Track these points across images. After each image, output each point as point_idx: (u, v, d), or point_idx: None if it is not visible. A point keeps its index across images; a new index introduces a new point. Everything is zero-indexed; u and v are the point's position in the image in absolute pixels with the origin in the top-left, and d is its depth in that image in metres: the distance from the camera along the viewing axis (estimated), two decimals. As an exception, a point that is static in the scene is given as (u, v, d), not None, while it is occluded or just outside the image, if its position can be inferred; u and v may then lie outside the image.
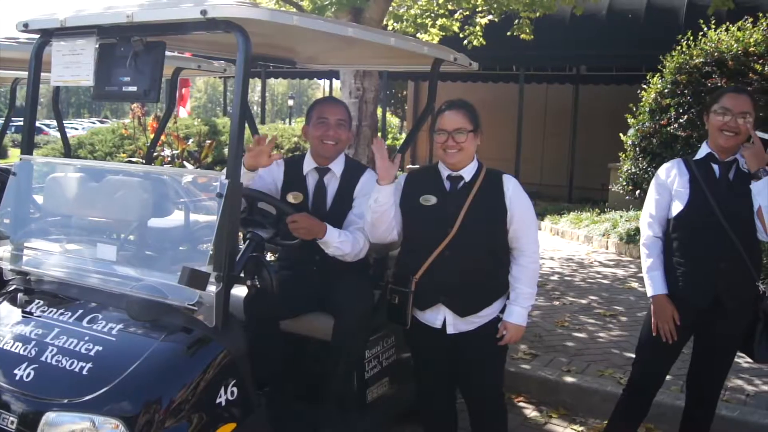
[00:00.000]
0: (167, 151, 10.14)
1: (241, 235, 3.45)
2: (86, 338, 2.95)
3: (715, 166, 3.56)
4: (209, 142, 11.45)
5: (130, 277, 3.16)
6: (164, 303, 2.95)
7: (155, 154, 10.28)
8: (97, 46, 3.33)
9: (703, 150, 3.64)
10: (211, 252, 2.88)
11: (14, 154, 29.72)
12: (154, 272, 3.15)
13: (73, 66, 3.40)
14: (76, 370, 2.82)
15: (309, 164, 3.94)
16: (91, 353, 2.88)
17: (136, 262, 3.30)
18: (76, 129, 39.40)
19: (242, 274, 3.20)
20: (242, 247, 3.37)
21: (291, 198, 3.89)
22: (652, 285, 3.65)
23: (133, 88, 3.23)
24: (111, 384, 2.73)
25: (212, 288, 2.86)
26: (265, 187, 3.89)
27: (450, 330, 3.48)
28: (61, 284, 3.37)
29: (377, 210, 3.44)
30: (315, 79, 27.56)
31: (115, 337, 2.95)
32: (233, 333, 3.01)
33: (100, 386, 2.73)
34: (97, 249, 3.28)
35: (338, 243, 3.59)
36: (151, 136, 11.05)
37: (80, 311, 3.12)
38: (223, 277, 2.88)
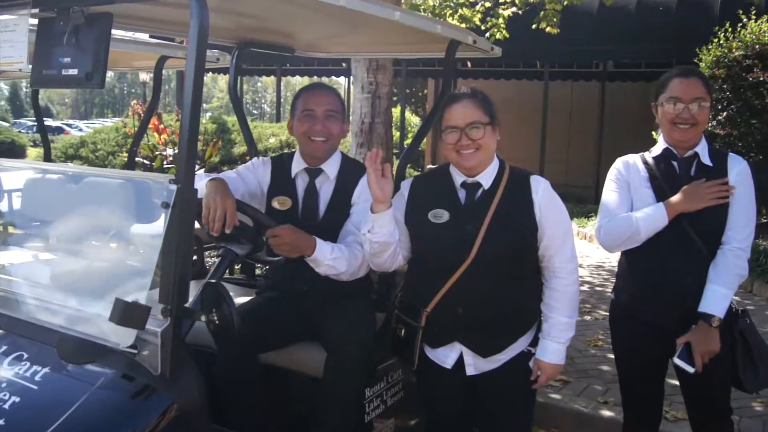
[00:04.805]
0: (169, 151, 9.54)
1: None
2: (2, 385, 2.32)
3: (675, 163, 3.09)
4: (214, 140, 10.85)
5: (66, 306, 2.52)
6: (98, 343, 2.31)
7: (156, 153, 9.72)
8: (34, 21, 2.73)
9: (660, 144, 3.14)
10: (155, 278, 2.25)
11: (32, 154, 29.47)
12: (93, 302, 2.50)
13: (5, 46, 2.79)
14: (-17, 429, 2.19)
15: (298, 164, 3.31)
16: (6, 406, 2.23)
17: (73, 288, 2.65)
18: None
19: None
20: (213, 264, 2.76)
21: (277, 204, 3.27)
22: (650, 213, 2.99)
23: (74, 71, 2.61)
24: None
25: (156, 325, 2.22)
26: (248, 191, 3.28)
27: (470, 371, 2.84)
28: None
29: (375, 241, 2.81)
30: (333, 77, 26.87)
31: (38, 385, 2.31)
32: (186, 380, 2.36)
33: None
34: (27, 270, 2.64)
35: (331, 261, 2.95)
36: (155, 134, 10.47)
37: (2, 348, 2.49)
38: (172, 310, 2.24)
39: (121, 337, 2.24)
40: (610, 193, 3.16)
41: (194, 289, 2.64)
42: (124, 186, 2.66)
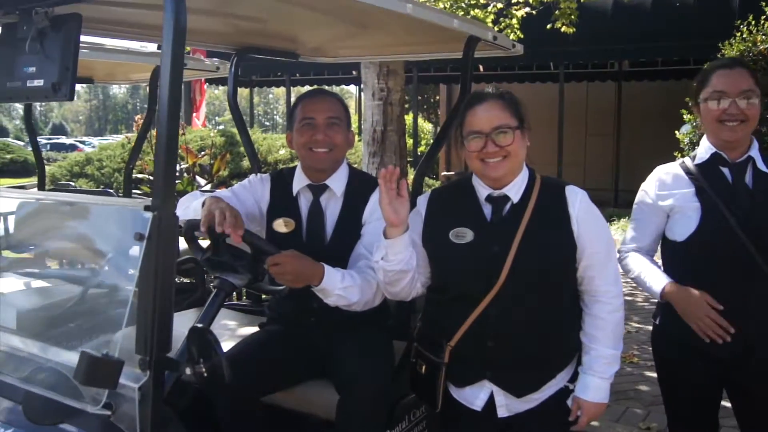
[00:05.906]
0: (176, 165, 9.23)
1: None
2: (-42, 453, 1.98)
3: (725, 170, 2.71)
4: (222, 154, 10.53)
5: (33, 356, 2.17)
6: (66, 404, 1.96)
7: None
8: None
9: (705, 149, 2.76)
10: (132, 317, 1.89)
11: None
12: (62, 351, 2.13)
13: (-34, 56, 2.47)
14: None
15: (300, 181, 2.96)
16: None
17: (42, 333, 2.30)
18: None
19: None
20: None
21: (281, 224, 2.92)
22: (655, 280, 2.73)
23: (39, 83, 2.28)
24: None
25: (133, 379, 1.87)
26: (245, 212, 2.93)
27: (502, 413, 2.47)
28: None
29: (390, 269, 2.45)
30: (343, 86, 26.57)
31: (-2, 452, 1.98)
32: None
33: None
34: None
35: (341, 290, 2.58)
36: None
37: None
38: (151, 362, 1.89)
39: (92, 396, 1.89)
40: (633, 218, 2.91)
41: (195, 318, 2.32)
42: (96, 214, 2.31)
